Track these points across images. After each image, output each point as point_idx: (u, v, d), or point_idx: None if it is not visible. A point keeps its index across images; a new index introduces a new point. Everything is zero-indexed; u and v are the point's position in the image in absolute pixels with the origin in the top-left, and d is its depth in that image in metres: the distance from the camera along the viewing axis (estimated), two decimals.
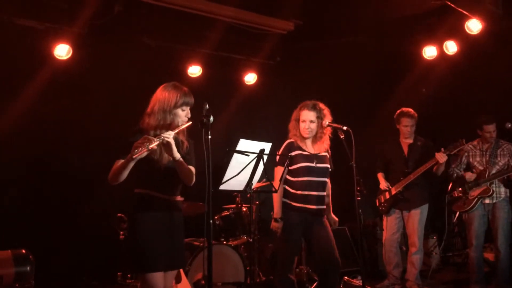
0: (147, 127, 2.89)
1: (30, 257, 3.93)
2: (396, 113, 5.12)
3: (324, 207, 3.89)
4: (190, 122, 2.89)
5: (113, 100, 5.44)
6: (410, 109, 5.06)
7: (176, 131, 2.84)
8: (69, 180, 5.21)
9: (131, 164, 2.71)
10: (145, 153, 2.67)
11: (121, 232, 4.66)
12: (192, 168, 2.94)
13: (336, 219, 4.05)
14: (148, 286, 2.77)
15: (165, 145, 2.77)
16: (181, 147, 2.95)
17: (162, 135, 2.73)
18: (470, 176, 4.82)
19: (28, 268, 3.87)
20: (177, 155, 2.80)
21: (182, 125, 2.89)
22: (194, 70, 6.08)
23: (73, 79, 5.29)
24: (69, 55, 5.19)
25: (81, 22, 5.08)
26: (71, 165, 5.28)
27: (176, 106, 2.89)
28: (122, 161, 2.74)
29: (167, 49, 5.81)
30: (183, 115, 2.92)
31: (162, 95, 2.92)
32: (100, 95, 5.43)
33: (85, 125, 5.39)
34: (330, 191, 4.05)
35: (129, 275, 4.58)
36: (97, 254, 5.12)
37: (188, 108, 2.95)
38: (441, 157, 4.63)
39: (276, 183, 3.68)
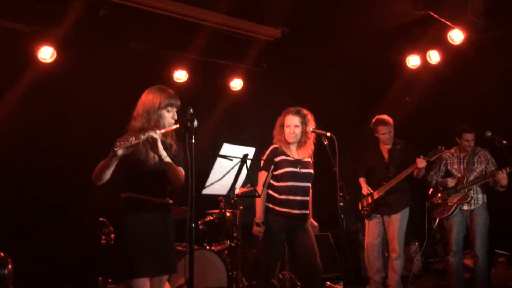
0: (132, 130, 2.86)
1: (9, 260, 3.87)
2: (372, 122, 5.18)
3: (308, 212, 3.91)
4: (178, 125, 2.85)
5: (97, 104, 5.41)
6: (384, 116, 5.11)
7: (163, 131, 2.82)
8: (51, 183, 5.15)
9: (114, 162, 2.69)
10: (128, 149, 2.66)
11: (103, 237, 4.61)
12: (182, 170, 2.91)
13: (316, 224, 4.08)
14: None
15: (151, 143, 2.74)
16: (170, 150, 2.92)
17: (147, 132, 2.71)
18: (451, 182, 4.90)
19: (6, 271, 3.81)
20: (164, 153, 2.77)
21: (169, 126, 2.87)
22: (180, 75, 6.07)
23: (57, 83, 5.25)
24: (53, 58, 5.16)
25: (66, 25, 5.06)
26: (54, 168, 5.22)
27: (160, 107, 2.87)
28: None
29: (153, 54, 5.80)
30: (169, 117, 2.91)
31: (147, 97, 2.92)
32: (84, 99, 5.39)
33: (69, 129, 5.35)
34: (311, 196, 4.09)
35: (110, 280, 4.53)
36: (78, 259, 5.05)
37: (174, 109, 2.93)
38: (421, 163, 4.73)
39: (259, 188, 3.71)
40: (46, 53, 5.11)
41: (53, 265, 5.01)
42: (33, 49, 5.06)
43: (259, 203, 3.84)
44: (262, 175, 3.87)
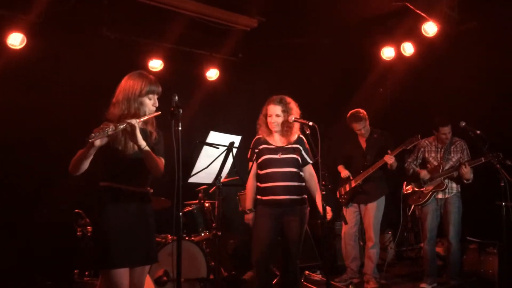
0: (112, 117, 2.78)
1: None
2: (347, 117, 5.23)
3: (297, 197, 3.84)
4: (159, 112, 2.80)
5: (69, 92, 5.26)
6: (357, 112, 5.15)
7: (143, 119, 2.75)
8: (23, 173, 4.99)
9: (91, 152, 2.63)
10: (104, 139, 2.60)
11: (79, 229, 4.49)
12: (162, 159, 2.86)
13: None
14: (110, 283, 2.67)
15: (129, 133, 2.68)
16: (150, 137, 2.86)
17: (125, 121, 2.64)
18: (424, 174, 5.00)
19: None
20: (143, 143, 2.71)
21: (150, 114, 2.80)
22: (155, 64, 5.97)
23: (28, 70, 5.06)
24: (23, 44, 4.97)
25: (36, 10, 4.87)
26: (25, 158, 5.04)
27: (141, 94, 2.79)
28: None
29: (128, 42, 5.66)
30: (150, 104, 2.83)
31: (127, 83, 2.82)
32: (56, 87, 5.24)
33: (40, 117, 5.17)
34: (314, 183, 3.92)
35: (86, 273, 4.43)
36: (52, 252, 4.92)
37: (155, 97, 2.86)
38: (389, 159, 4.84)
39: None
40: (16, 40, 4.91)
41: (26, 259, 4.85)
42: (1, 35, 4.86)
43: (247, 192, 3.91)
44: (251, 166, 3.91)
